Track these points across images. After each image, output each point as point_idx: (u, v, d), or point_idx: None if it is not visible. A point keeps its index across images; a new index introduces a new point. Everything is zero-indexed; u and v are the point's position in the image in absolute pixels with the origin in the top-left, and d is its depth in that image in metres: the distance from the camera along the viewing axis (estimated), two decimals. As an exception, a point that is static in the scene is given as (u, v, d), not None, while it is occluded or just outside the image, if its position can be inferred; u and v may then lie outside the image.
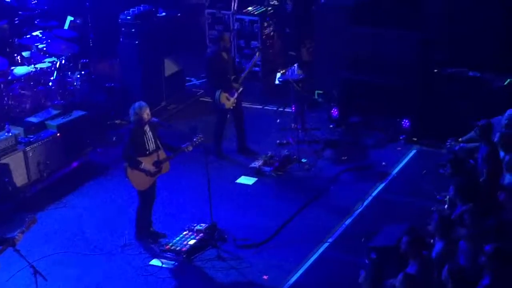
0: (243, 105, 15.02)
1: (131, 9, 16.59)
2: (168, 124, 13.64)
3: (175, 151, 12.17)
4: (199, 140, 12.20)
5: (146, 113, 11.77)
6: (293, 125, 15.21)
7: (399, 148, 14.93)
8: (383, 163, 14.33)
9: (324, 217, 12.77)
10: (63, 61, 15.85)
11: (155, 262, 11.81)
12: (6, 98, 14.80)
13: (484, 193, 10.91)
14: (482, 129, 11.88)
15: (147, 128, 11.83)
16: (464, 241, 9.72)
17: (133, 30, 16.46)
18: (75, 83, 15.87)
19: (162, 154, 12.01)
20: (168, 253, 11.90)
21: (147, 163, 11.84)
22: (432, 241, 10.30)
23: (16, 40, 16.29)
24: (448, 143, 13.03)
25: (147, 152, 11.85)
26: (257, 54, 14.93)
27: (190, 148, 12.14)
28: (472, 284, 8.78)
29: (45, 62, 15.73)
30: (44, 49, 16.11)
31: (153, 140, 11.89)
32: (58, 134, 14.33)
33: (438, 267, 9.26)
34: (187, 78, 18.06)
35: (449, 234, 9.68)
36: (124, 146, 11.90)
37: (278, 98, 16.53)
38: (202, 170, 12.06)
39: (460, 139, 12.88)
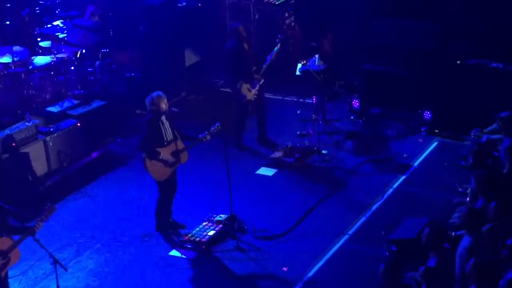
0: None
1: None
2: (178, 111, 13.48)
3: (193, 140, 12.13)
4: (217, 129, 12.15)
5: (164, 103, 11.72)
6: (313, 116, 15.14)
7: (420, 140, 14.82)
8: (404, 155, 14.23)
9: (344, 209, 12.70)
10: (83, 51, 15.85)
11: (174, 252, 11.81)
12: (26, 88, 14.82)
13: (506, 186, 10.80)
14: (504, 121, 11.77)
15: (163, 118, 11.79)
16: (487, 235, 9.62)
17: (153, 19, 16.42)
18: (95, 73, 15.87)
19: (180, 144, 11.96)
20: (188, 243, 11.88)
21: (165, 154, 11.80)
22: (453, 234, 10.23)
23: (36, 29, 16.32)
24: (472, 134, 12.92)
25: (165, 143, 11.81)
26: (278, 45, 14.83)
27: (208, 137, 12.09)
28: (496, 278, 8.69)
29: (65, 51, 15.72)
30: (65, 38, 16.12)
31: (170, 130, 11.85)
32: (78, 124, 14.35)
33: (465, 261, 9.12)
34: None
35: (479, 228, 9.55)
36: (140, 138, 11.88)
37: (299, 89, 16.44)
38: (222, 161, 12.02)
39: (484, 130, 12.76)
